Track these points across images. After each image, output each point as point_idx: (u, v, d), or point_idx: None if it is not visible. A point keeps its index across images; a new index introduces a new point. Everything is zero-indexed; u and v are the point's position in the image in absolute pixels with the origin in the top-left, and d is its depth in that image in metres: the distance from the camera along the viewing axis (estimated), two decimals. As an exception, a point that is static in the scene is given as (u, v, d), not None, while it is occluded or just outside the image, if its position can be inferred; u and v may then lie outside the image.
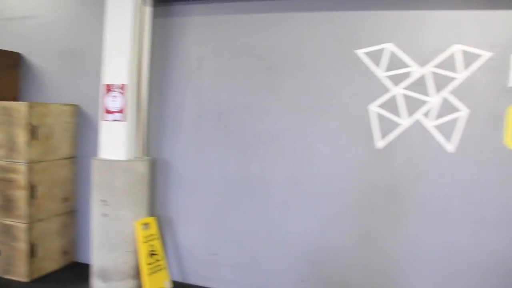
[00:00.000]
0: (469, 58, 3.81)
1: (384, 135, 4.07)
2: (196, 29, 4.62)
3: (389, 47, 4.02)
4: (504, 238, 3.82)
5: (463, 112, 3.86)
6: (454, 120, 3.88)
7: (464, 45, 3.82)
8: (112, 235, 4.36)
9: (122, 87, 4.38)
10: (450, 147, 3.91)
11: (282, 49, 4.34)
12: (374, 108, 4.09)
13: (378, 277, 4.18)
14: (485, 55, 3.78)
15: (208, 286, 4.70)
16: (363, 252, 4.21)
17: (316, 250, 4.34)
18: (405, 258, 4.09)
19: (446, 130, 3.91)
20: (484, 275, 3.88)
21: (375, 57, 4.06)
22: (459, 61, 3.84)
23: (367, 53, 4.09)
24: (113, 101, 4.41)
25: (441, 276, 4.00)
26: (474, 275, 3.91)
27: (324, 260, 4.33)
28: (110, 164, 4.39)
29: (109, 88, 4.42)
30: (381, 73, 4.05)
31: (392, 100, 4.03)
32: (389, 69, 4.03)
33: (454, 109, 3.88)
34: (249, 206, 4.53)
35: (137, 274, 4.45)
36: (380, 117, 4.07)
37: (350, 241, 4.24)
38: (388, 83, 4.03)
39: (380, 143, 4.09)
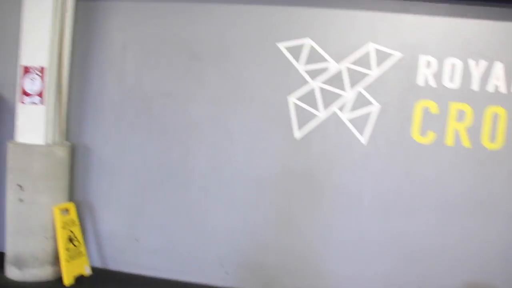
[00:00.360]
0: (381, 57, 4.08)
1: (302, 125, 4.26)
2: (121, 15, 4.55)
3: (308, 42, 4.20)
4: (410, 223, 4.15)
5: (375, 107, 4.12)
6: (367, 114, 4.14)
7: (378, 44, 4.08)
8: (28, 221, 4.25)
9: (41, 69, 4.25)
10: (362, 139, 4.16)
11: (206, 39, 4.40)
12: (293, 99, 4.26)
13: (295, 260, 4.39)
14: (396, 54, 4.05)
15: (128, 272, 4.71)
16: (281, 237, 4.40)
17: (235, 235, 4.48)
18: (320, 242, 4.34)
19: (360, 123, 4.16)
20: (393, 257, 4.20)
21: (295, 51, 4.23)
22: (372, 59, 4.09)
23: (288, 47, 4.24)
24: (31, 84, 4.27)
25: (354, 259, 4.28)
26: (384, 258, 4.22)
27: (243, 245, 4.47)
28: (28, 148, 4.26)
29: (27, 70, 4.27)
30: (300, 66, 4.22)
31: (311, 92, 4.22)
32: (308, 63, 4.21)
33: (367, 104, 4.13)
34: (170, 192, 4.58)
35: (55, 261, 4.37)
36: (299, 108, 4.25)
37: (268, 226, 4.41)
38: (307, 77, 4.21)
39: (298, 133, 4.28)
